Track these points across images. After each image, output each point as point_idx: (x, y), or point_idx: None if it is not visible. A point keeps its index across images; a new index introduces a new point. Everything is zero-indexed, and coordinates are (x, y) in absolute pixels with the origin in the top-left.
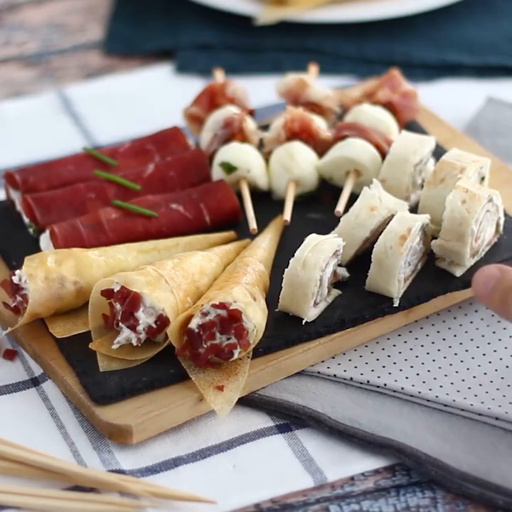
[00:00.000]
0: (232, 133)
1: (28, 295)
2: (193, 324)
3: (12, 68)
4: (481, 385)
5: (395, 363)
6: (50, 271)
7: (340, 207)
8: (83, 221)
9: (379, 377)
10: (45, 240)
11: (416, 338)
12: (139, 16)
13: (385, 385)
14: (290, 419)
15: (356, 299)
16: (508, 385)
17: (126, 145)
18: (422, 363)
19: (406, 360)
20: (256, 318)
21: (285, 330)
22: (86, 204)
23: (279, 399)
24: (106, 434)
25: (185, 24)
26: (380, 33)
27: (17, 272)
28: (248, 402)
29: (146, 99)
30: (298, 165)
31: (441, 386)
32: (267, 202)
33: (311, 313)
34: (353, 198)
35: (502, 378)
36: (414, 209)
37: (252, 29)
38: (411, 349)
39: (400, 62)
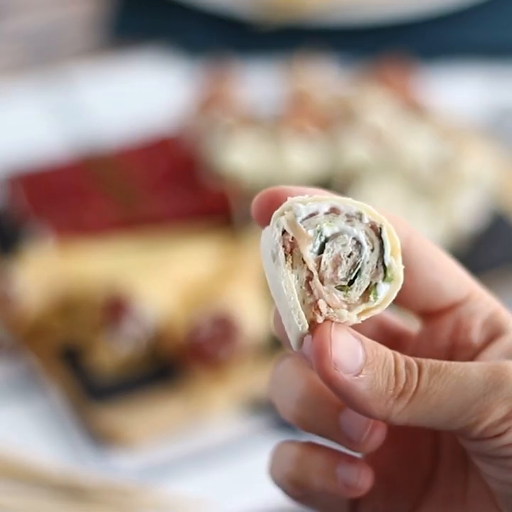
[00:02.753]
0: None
1: (26, 297)
2: (193, 325)
3: (9, 66)
4: None
5: None
6: (48, 273)
7: None
8: (82, 219)
9: None
10: (44, 241)
11: None
12: (141, 17)
13: None
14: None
15: None
16: None
17: (128, 145)
18: None
19: None
20: (256, 318)
21: None
22: (85, 203)
23: None
24: (105, 434)
25: (186, 26)
26: (381, 35)
27: (16, 273)
28: (248, 402)
29: (147, 98)
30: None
31: None
32: None
33: None
34: None
35: None
36: None
37: (253, 33)
38: None
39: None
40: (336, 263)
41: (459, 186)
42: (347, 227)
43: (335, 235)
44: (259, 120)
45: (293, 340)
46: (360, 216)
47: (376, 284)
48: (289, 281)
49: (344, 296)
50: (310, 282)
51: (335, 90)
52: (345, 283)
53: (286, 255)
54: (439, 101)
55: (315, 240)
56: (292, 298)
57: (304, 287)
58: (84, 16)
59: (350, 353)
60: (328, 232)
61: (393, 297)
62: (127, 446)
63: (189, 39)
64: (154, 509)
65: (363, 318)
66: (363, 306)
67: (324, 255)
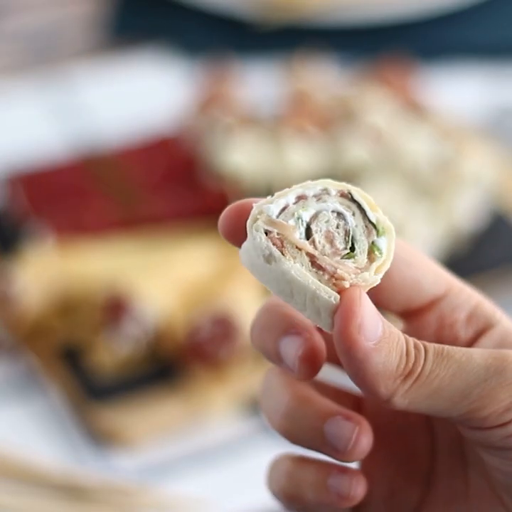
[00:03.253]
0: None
1: (26, 297)
2: (193, 325)
3: (9, 65)
4: None
5: None
6: (48, 273)
7: None
8: (82, 219)
9: None
10: (44, 241)
11: None
12: (141, 17)
13: None
14: None
15: None
16: None
17: (128, 145)
18: None
19: None
20: None
21: None
22: (85, 203)
23: None
24: (105, 434)
25: (186, 26)
26: (381, 35)
27: (16, 273)
28: (248, 402)
29: (147, 98)
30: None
31: None
32: None
33: None
34: None
35: None
36: None
37: (253, 33)
38: None
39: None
40: (330, 238)
41: (459, 186)
42: (321, 204)
43: (314, 217)
44: (259, 120)
45: (327, 322)
46: (326, 191)
47: (373, 241)
48: (298, 268)
49: (353, 262)
50: (316, 263)
51: (335, 90)
52: (347, 251)
53: (281, 251)
54: (439, 101)
55: (298, 227)
56: (310, 280)
57: (313, 269)
58: (84, 15)
59: (374, 321)
60: (306, 216)
61: (393, 247)
62: (127, 446)
63: (189, 39)
64: (154, 509)
65: (380, 275)
66: (374, 265)
67: (315, 236)
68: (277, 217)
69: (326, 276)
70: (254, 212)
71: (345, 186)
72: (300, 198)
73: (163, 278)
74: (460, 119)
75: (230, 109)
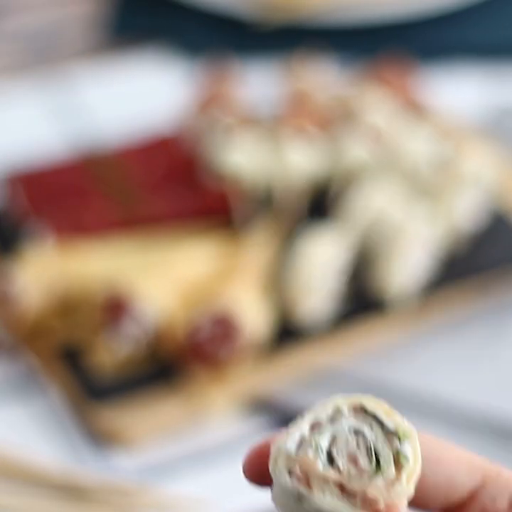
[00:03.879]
0: None
1: (26, 297)
2: (193, 325)
3: (9, 65)
4: None
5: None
6: (48, 273)
7: None
8: (82, 219)
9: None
10: (44, 241)
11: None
12: (141, 17)
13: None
14: (290, 419)
15: None
16: None
17: (128, 145)
18: None
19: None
20: (256, 318)
21: None
22: (85, 203)
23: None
24: (105, 434)
25: (186, 26)
26: (381, 35)
27: (16, 273)
28: (248, 402)
29: (147, 98)
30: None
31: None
32: None
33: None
34: None
35: None
36: None
37: (253, 33)
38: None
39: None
40: (352, 458)
41: (459, 186)
42: (336, 427)
43: (333, 440)
44: (259, 120)
45: None
46: (338, 410)
47: (397, 449)
48: (330, 501)
49: (382, 479)
50: (346, 489)
51: (335, 90)
52: (373, 468)
53: (308, 486)
54: (439, 101)
55: (319, 456)
56: (344, 511)
57: (343, 496)
58: (84, 15)
59: None
60: (324, 442)
61: (419, 449)
62: (127, 446)
63: (189, 39)
64: (154, 509)
65: (412, 484)
66: (404, 475)
67: (338, 460)
68: (296, 451)
69: (359, 501)
70: (273, 454)
71: (357, 400)
72: (314, 425)
73: (163, 278)
74: (460, 119)
75: (230, 109)
